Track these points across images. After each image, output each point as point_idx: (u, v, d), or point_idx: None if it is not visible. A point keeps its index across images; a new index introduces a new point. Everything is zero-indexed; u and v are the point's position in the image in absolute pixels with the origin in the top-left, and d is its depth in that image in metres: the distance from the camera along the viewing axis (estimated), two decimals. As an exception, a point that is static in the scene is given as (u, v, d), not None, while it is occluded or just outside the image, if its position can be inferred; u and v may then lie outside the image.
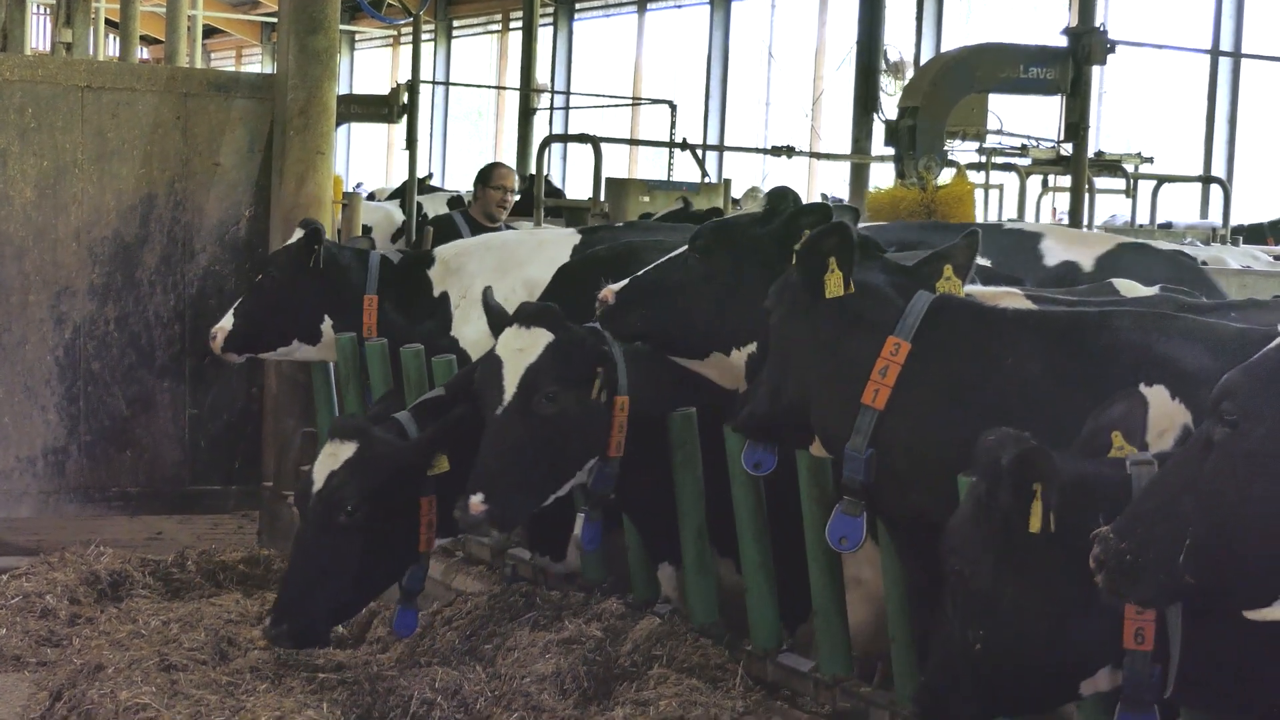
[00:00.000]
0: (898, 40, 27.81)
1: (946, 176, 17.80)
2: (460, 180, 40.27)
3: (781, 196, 6.63)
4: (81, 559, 9.67)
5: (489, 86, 39.07)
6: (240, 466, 11.25)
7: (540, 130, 27.31)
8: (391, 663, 7.66)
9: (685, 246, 6.68)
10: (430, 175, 26.75)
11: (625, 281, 6.61)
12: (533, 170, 21.34)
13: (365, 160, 47.79)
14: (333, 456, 7.26)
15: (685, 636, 6.84)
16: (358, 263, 9.48)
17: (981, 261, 6.54)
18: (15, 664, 8.35)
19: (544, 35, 38.23)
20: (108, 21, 33.02)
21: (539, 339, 6.76)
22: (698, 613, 6.94)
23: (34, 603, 9.13)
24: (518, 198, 13.73)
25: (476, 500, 6.53)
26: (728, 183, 18.26)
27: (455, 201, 22.33)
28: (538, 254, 9.17)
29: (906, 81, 23.61)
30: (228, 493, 11.27)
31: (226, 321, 9.49)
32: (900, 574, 5.89)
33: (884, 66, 24.72)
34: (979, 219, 19.05)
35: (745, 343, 6.39)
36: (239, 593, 9.32)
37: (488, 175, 13.43)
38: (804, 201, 6.81)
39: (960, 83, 17.75)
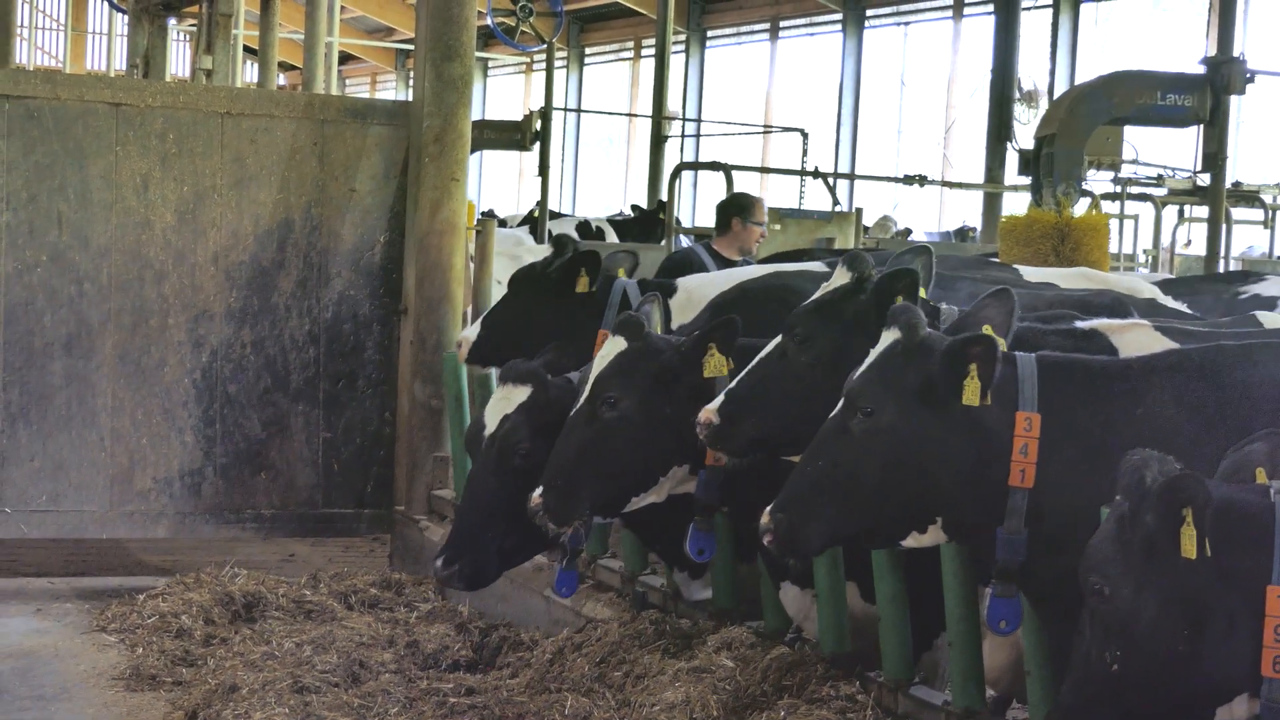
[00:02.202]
0: (1032, 69, 27.64)
1: (1082, 206, 17.64)
2: (590, 207, 40.41)
3: (861, 261, 6.56)
4: (216, 580, 9.82)
5: (620, 114, 39.13)
6: (372, 490, 11.30)
7: (671, 157, 27.35)
8: (522, 689, 7.70)
9: (774, 342, 6.48)
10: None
11: (722, 397, 6.39)
12: (663, 197, 21.37)
13: (497, 186, 48.03)
14: (505, 400, 7.49)
15: (815, 666, 6.80)
16: (603, 290, 9.03)
17: None
18: (151, 683, 8.48)
19: (676, 62, 38.34)
20: (246, 48, 33.46)
21: (615, 346, 6.96)
22: (828, 642, 6.89)
23: (170, 623, 9.27)
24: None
25: (535, 494, 6.78)
26: (859, 211, 18.19)
27: (584, 227, 22.42)
28: None
29: (1040, 110, 23.46)
30: (360, 516, 11.33)
31: (472, 331, 9.24)
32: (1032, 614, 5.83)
33: (1018, 95, 24.57)
34: (1113, 249, 18.87)
35: None
36: (370, 616, 9.38)
37: (747, 209, 11.86)
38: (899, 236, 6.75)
39: (1097, 109, 17.60)
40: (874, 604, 6.70)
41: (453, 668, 8.48)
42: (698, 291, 8.81)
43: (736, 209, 11.81)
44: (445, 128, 10.89)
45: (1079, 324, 6.57)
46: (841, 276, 6.53)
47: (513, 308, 9.16)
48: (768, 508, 5.65)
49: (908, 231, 26.80)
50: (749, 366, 6.46)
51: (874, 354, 5.68)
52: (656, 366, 6.94)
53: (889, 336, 5.66)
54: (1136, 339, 6.40)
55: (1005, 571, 5.55)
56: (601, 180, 44.14)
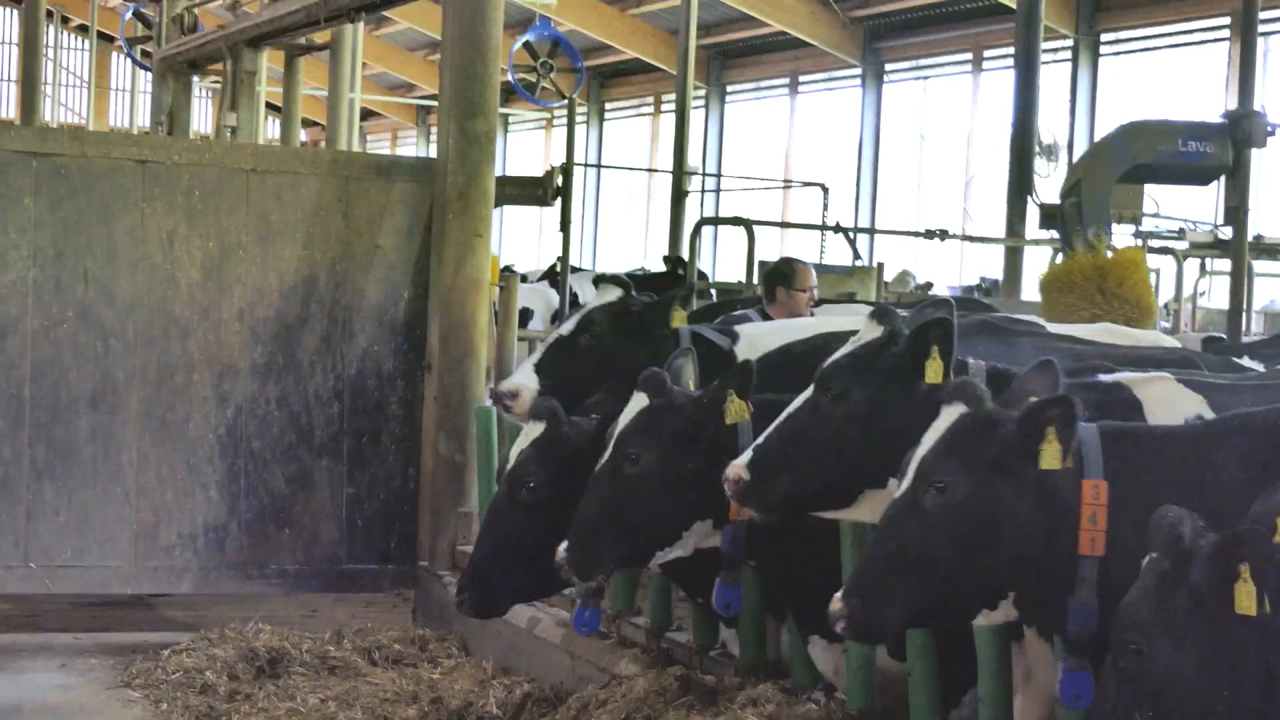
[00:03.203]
0: (1051, 122, 27.68)
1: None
2: (610, 262, 40.48)
3: (891, 315, 6.56)
4: (240, 636, 9.83)
5: (640, 169, 39.24)
6: (396, 546, 11.31)
7: (691, 213, 27.41)
8: (546, 745, 7.68)
9: (804, 396, 6.43)
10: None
11: (750, 453, 6.35)
12: (683, 253, 21.40)
13: (517, 241, 48.16)
14: (526, 437, 7.61)
15: (842, 723, 6.80)
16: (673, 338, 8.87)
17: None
18: (176, 739, 8.47)
19: (696, 117, 38.46)
20: (270, 105, 33.63)
21: (638, 402, 7.01)
22: (856, 698, 6.89)
23: (194, 678, 9.30)
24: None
25: (561, 548, 6.87)
26: (880, 266, 18.22)
27: (599, 279, 22.41)
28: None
29: (1060, 163, 23.49)
30: (384, 572, 11.34)
31: (529, 379, 8.87)
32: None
33: (1038, 149, 24.58)
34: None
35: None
36: (395, 672, 9.40)
37: (791, 277, 11.46)
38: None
39: (1120, 155, 17.67)
40: (903, 660, 6.69)
41: (477, 724, 8.48)
42: (760, 340, 8.79)
43: (780, 278, 11.51)
44: (469, 184, 10.94)
45: (1102, 377, 6.58)
46: (871, 330, 6.52)
47: (572, 351, 9.01)
48: (838, 593, 5.57)
49: (929, 285, 26.83)
50: (777, 421, 6.42)
51: (940, 428, 5.61)
52: (678, 421, 7.00)
53: (954, 410, 5.59)
54: (1160, 392, 6.40)
55: (1077, 644, 5.48)
56: (622, 235, 44.22)
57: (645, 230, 42.31)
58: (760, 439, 6.40)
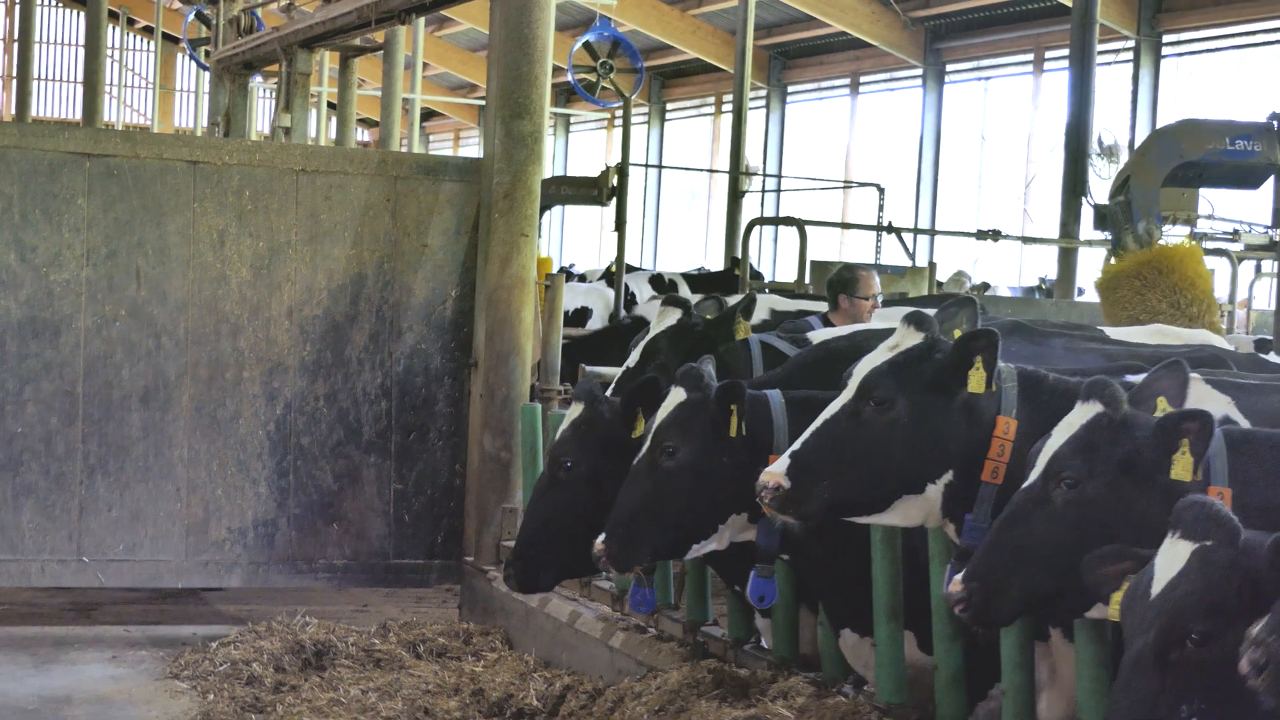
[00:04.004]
0: (1113, 123, 27.62)
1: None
2: (671, 262, 40.58)
3: (929, 321, 6.61)
4: (287, 628, 9.97)
5: (697, 169, 39.33)
6: (443, 541, 11.44)
7: (751, 212, 27.46)
8: (582, 736, 7.79)
9: (840, 403, 6.42)
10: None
11: (787, 460, 6.33)
12: (739, 253, 21.49)
13: (580, 241, 48.32)
14: (568, 418, 7.87)
15: (870, 715, 6.87)
16: (743, 349, 9.01)
17: None
18: (221, 729, 8.62)
19: (757, 117, 38.50)
20: (331, 105, 33.86)
21: (675, 396, 7.13)
22: (885, 691, 6.95)
23: (241, 670, 9.44)
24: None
25: (599, 540, 7.02)
26: (933, 266, 18.25)
27: (657, 280, 22.56)
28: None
29: (1120, 165, 23.43)
30: (430, 567, 11.47)
31: None
32: (1091, 657, 5.88)
33: (1098, 149, 24.54)
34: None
35: (940, 475, 6.31)
36: (438, 664, 9.50)
37: (852, 285, 11.35)
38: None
39: (1168, 151, 17.58)
40: (931, 654, 6.77)
41: (517, 715, 8.59)
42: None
43: (842, 285, 11.41)
44: (515, 184, 11.04)
45: (1129, 378, 6.62)
46: (910, 336, 6.53)
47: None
48: (958, 575, 5.64)
49: (985, 286, 26.82)
50: (814, 427, 6.42)
51: (1073, 425, 5.62)
52: (714, 417, 7.08)
53: (1090, 409, 5.59)
54: (1190, 393, 6.43)
55: None
56: (683, 235, 44.32)
57: (706, 231, 42.40)
58: (797, 445, 6.39)
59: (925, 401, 6.33)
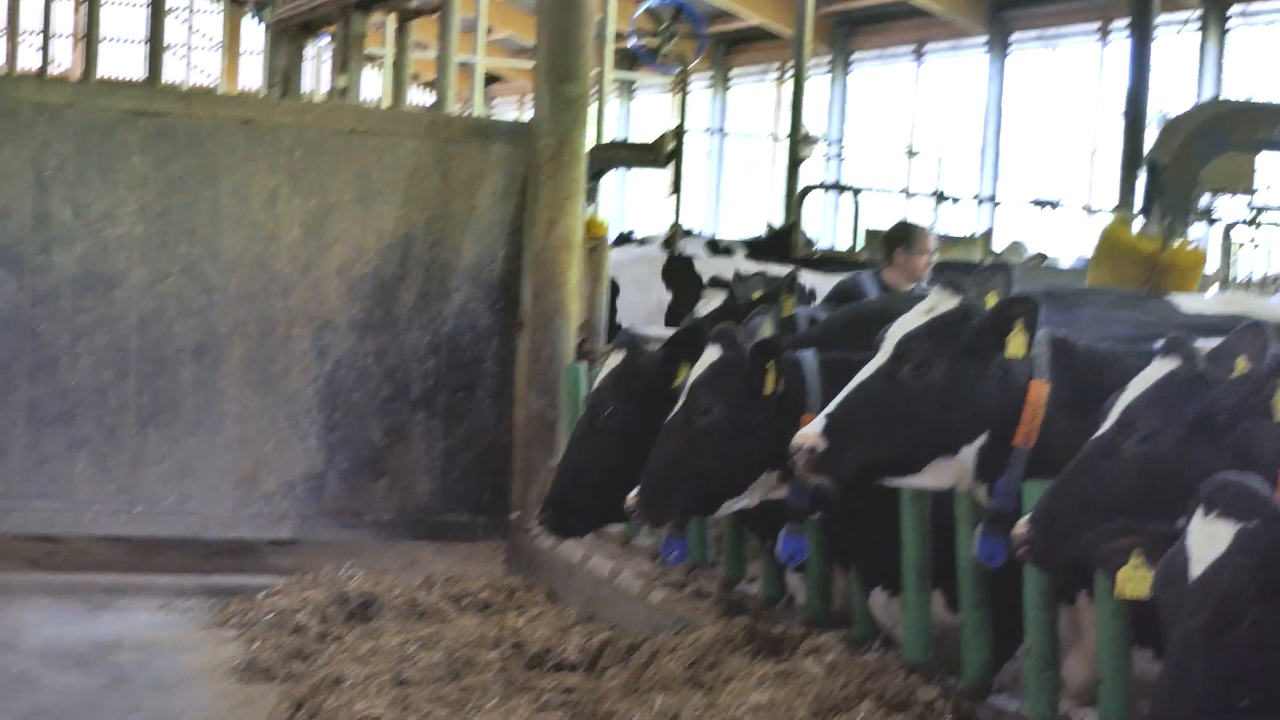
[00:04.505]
0: (1178, 92, 27.45)
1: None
2: (733, 228, 40.55)
3: (964, 285, 6.67)
4: (333, 580, 10.13)
5: (756, 135, 39.30)
6: (489, 497, 11.59)
7: (812, 179, 27.45)
8: (617, 689, 7.90)
9: (874, 365, 6.49)
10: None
11: (823, 421, 6.38)
12: (794, 220, 21.54)
13: (641, 205, 48.35)
14: (608, 365, 8.05)
15: (898, 673, 6.96)
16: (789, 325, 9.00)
17: None
18: (265, 676, 8.80)
19: (820, 84, 38.43)
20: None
21: (710, 355, 7.26)
22: (912, 649, 7.05)
23: (286, 619, 9.61)
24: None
25: (631, 495, 7.17)
26: (988, 234, 18.25)
27: (714, 245, 22.63)
28: None
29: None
30: (476, 523, 11.62)
31: None
32: (1113, 613, 5.95)
33: (1159, 119, 24.40)
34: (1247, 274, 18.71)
35: (974, 438, 6.39)
36: (479, 618, 9.64)
37: (909, 239, 11.43)
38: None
39: (1214, 143, 17.01)
40: (958, 613, 6.86)
41: (556, 668, 8.72)
42: None
43: (899, 240, 11.47)
44: (561, 147, 11.16)
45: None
46: (946, 300, 6.59)
47: None
48: (1024, 517, 5.72)
49: (1041, 257, 26.75)
50: (849, 390, 6.48)
51: (1149, 378, 5.67)
52: (748, 375, 7.19)
53: (1166, 364, 5.64)
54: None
55: None
56: (745, 202, 44.29)
57: (769, 197, 42.38)
58: (832, 407, 6.45)
59: (961, 365, 6.40)
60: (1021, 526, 5.68)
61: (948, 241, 17.99)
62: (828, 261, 16.56)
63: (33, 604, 10.27)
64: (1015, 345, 6.37)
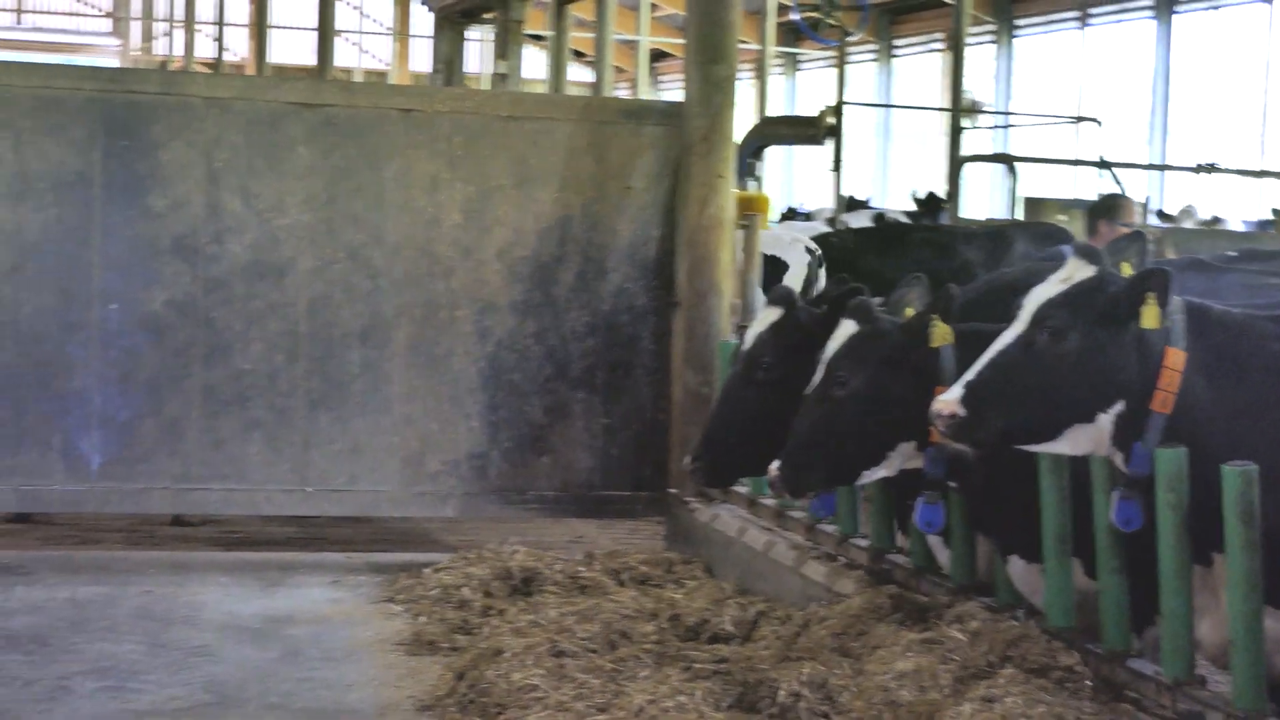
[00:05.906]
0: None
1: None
2: (901, 200, 40.48)
3: (1099, 254, 6.77)
4: (497, 556, 10.39)
5: (915, 107, 39.14)
6: (649, 474, 11.82)
7: (976, 149, 27.36)
8: (768, 658, 8.10)
9: (1012, 332, 6.59)
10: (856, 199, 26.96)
11: (961, 388, 6.53)
12: (954, 191, 21.51)
13: (810, 181, 48.31)
14: (762, 322, 8.25)
15: (1039, 639, 7.09)
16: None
17: None
18: (430, 648, 9.08)
19: (985, 52, 38.22)
20: (575, 53, 34.21)
21: (846, 328, 7.46)
22: (1053, 616, 7.16)
23: (451, 594, 9.90)
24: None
25: (773, 466, 7.39)
26: (1147, 201, 18.15)
27: (880, 218, 22.70)
28: None
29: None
30: (636, 498, 11.85)
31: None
32: (1244, 576, 6.06)
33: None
34: None
35: (1111, 405, 6.47)
36: (637, 591, 9.86)
37: (1113, 210, 11.67)
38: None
39: None
40: (1096, 579, 6.98)
41: (712, 640, 8.93)
42: None
43: (1103, 211, 11.72)
44: (712, 127, 11.35)
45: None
46: (1082, 269, 6.70)
47: None
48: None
49: (1215, 220, 26.48)
50: (987, 357, 6.60)
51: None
52: (885, 347, 7.39)
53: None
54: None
55: None
56: (912, 174, 44.15)
57: (934, 168, 42.20)
58: (971, 374, 6.57)
59: (1098, 333, 6.49)
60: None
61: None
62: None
63: (211, 581, 10.63)
64: (1149, 317, 6.46)
